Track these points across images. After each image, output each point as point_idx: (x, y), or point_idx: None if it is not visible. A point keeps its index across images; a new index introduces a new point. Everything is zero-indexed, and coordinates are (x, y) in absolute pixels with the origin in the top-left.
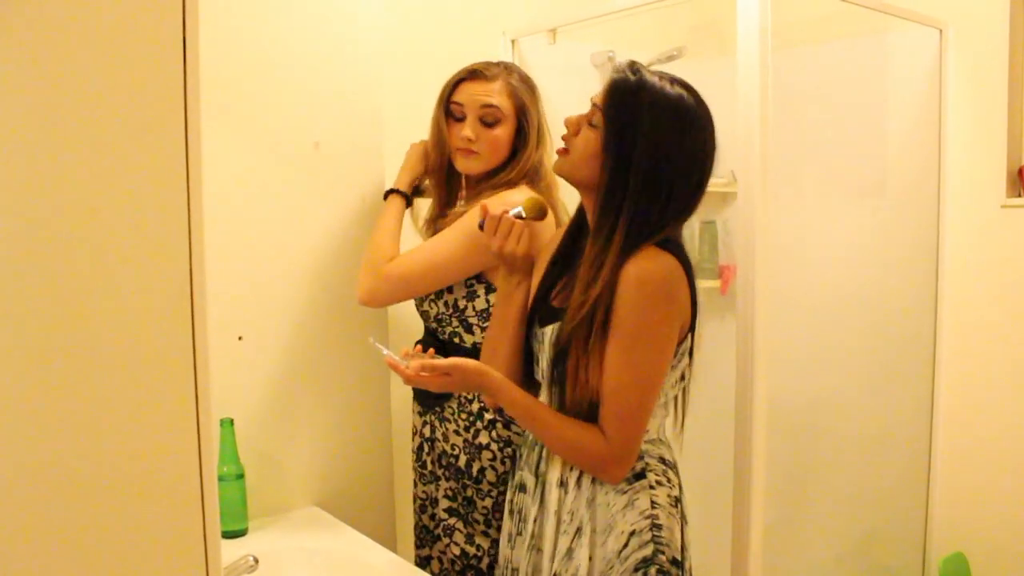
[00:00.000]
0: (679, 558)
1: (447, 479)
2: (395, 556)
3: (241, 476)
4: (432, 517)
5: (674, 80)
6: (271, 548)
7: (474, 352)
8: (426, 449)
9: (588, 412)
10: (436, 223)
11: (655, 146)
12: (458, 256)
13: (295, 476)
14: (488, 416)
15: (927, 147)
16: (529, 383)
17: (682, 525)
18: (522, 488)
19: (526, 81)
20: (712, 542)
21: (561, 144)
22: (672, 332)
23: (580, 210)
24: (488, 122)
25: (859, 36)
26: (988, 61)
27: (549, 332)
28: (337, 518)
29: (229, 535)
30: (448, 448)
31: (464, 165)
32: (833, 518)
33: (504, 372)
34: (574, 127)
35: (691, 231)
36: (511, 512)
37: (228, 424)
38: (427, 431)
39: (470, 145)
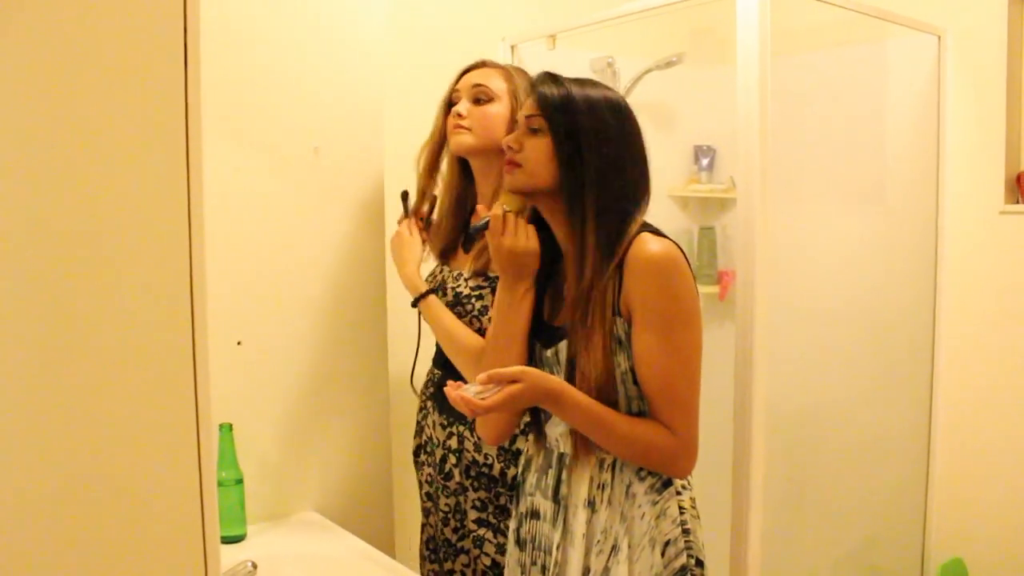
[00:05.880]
0: (701, 557)
1: (476, 489)
2: (393, 561)
3: (240, 481)
4: (456, 530)
5: (586, 80)
6: (270, 553)
7: None
8: (452, 461)
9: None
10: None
11: (602, 139)
12: None
13: (294, 481)
14: (524, 419)
15: (926, 153)
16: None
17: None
18: (534, 515)
19: (527, 79)
20: (711, 548)
21: (508, 163)
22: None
23: (542, 223)
24: (479, 99)
25: (858, 43)
26: (986, 68)
27: (563, 348)
28: (336, 523)
29: (228, 540)
30: (480, 458)
31: (456, 142)
32: (831, 524)
33: None
34: (517, 143)
35: (690, 236)
36: (519, 542)
37: (227, 429)
38: (454, 443)
39: (460, 121)
